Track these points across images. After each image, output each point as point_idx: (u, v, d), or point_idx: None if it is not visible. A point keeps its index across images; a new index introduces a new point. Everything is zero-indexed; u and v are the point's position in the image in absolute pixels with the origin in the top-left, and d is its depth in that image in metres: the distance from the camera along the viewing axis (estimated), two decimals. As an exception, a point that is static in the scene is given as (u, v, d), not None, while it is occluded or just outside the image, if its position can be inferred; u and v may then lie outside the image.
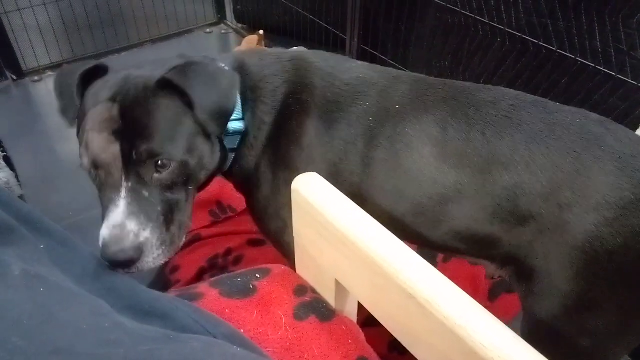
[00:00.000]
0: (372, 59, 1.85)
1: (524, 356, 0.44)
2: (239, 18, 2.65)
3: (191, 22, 2.62)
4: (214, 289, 0.69)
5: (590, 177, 0.70)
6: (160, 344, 0.46)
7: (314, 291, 0.73)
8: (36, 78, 2.32)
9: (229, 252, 1.41)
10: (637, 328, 0.77)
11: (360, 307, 0.72)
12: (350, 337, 0.67)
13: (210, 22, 2.71)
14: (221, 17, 2.73)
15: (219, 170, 0.89)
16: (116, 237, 0.70)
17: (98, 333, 0.44)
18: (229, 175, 0.96)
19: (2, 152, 1.34)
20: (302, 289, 0.72)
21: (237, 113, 0.86)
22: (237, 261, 1.38)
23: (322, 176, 0.65)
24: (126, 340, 0.44)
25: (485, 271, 1.39)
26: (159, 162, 0.73)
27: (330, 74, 0.88)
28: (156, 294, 0.61)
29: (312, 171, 0.66)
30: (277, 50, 0.94)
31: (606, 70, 1.19)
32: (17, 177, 1.31)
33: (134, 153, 0.72)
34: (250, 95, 0.88)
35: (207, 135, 0.80)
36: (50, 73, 2.36)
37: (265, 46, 2.16)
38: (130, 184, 0.73)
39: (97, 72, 0.79)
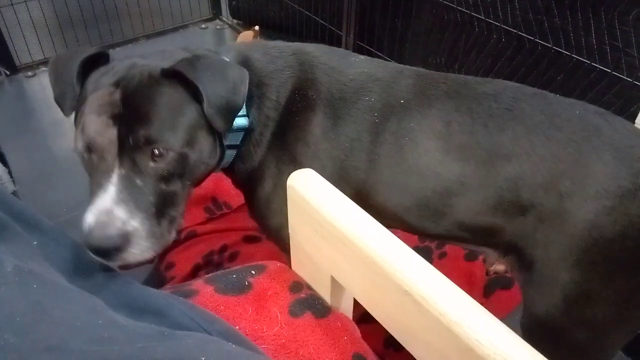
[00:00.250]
0: (368, 55, 1.84)
1: (520, 352, 0.44)
2: (234, 14, 2.64)
3: (186, 18, 2.60)
4: (209, 285, 0.69)
5: (590, 167, 0.72)
6: (154, 341, 0.45)
7: (309, 288, 0.73)
8: (30, 73, 2.30)
9: (224, 248, 1.40)
10: (635, 317, 0.78)
11: (356, 303, 0.72)
12: (345, 333, 0.67)
13: (206, 17, 2.70)
14: (216, 13, 2.72)
15: (217, 167, 0.88)
16: (102, 223, 0.67)
17: (92, 330, 0.44)
18: (229, 171, 0.95)
19: (-5, 148, 1.32)
20: (298, 285, 0.72)
21: (242, 109, 0.86)
22: (233, 258, 1.38)
23: (327, 173, 0.65)
24: (120, 337, 0.44)
25: (480, 268, 1.39)
26: (156, 150, 0.71)
27: (334, 68, 0.88)
28: (150, 290, 0.61)
29: (318, 168, 0.66)
30: (280, 44, 0.93)
31: (602, 67, 1.19)
32: (10, 173, 1.30)
33: (130, 138, 0.70)
34: (256, 92, 0.87)
35: (210, 130, 0.78)
36: (44, 68, 2.35)
37: (261, 42, 2.15)
38: (123, 171, 0.70)
39: (98, 60, 0.77)
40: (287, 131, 0.86)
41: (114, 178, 0.70)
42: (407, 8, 1.71)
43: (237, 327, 0.62)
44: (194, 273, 1.33)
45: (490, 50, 1.45)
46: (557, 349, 0.81)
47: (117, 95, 0.71)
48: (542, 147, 0.74)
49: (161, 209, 0.74)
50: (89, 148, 0.72)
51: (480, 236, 0.84)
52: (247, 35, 2.13)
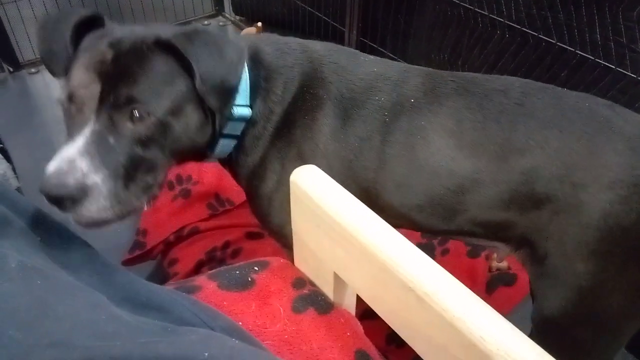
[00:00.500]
0: (371, 52, 1.84)
1: (523, 348, 0.44)
2: (236, 10, 2.63)
3: (189, 14, 2.60)
4: (212, 281, 0.69)
5: (604, 158, 0.72)
6: (157, 337, 0.46)
7: (312, 284, 0.73)
8: (33, 70, 2.31)
9: (227, 245, 1.41)
10: None
11: (358, 300, 0.72)
12: (348, 329, 0.67)
13: (208, 14, 2.69)
14: (219, 9, 2.72)
15: (210, 151, 0.87)
16: (61, 170, 0.66)
17: (95, 326, 0.44)
18: (228, 163, 0.95)
19: (-1, 144, 1.33)
20: (301, 281, 0.72)
21: (245, 99, 0.85)
22: (236, 254, 1.38)
23: (334, 172, 0.65)
24: (123, 332, 0.44)
25: (483, 265, 1.39)
26: (136, 112, 0.70)
27: (344, 68, 0.88)
28: (154, 286, 0.61)
29: (324, 167, 0.66)
30: (291, 40, 0.93)
31: (606, 63, 1.18)
32: (14, 169, 1.30)
33: (112, 96, 0.69)
34: (263, 84, 0.86)
35: (200, 106, 0.77)
36: (47, 65, 2.34)
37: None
38: (97, 126, 0.69)
39: (92, 23, 0.77)
40: (294, 129, 0.86)
41: (86, 131, 0.69)
42: (410, 4, 1.70)
43: (240, 323, 0.62)
44: (197, 269, 1.33)
45: (494, 46, 1.44)
46: (569, 341, 0.82)
47: (110, 55, 0.71)
48: (555, 140, 0.75)
49: (133, 173, 0.72)
50: (70, 98, 0.71)
51: (492, 231, 0.84)
52: (249, 32, 2.13)
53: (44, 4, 2.28)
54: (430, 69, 0.90)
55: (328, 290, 0.71)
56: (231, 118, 0.84)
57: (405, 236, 0.56)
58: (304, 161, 0.85)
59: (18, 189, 1.26)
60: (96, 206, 0.68)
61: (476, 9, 1.45)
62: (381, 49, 1.85)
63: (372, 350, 0.67)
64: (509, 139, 0.77)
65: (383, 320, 0.60)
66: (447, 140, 0.80)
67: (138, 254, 1.41)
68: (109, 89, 0.69)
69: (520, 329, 0.46)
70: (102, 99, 0.70)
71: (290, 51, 0.90)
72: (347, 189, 0.63)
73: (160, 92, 0.72)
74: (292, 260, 0.78)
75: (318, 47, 0.92)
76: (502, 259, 1.39)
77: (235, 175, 0.97)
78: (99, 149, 0.68)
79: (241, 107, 0.84)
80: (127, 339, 0.43)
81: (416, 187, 0.83)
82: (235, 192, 1.57)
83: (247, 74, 0.86)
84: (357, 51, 0.94)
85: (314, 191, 0.62)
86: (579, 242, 0.75)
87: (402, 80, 0.86)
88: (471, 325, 0.46)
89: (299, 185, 0.64)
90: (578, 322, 0.80)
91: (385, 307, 0.58)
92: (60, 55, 0.75)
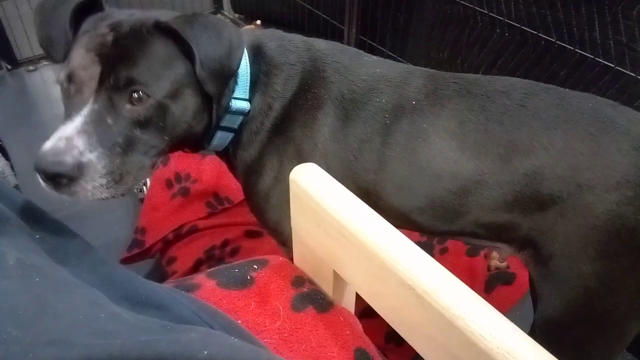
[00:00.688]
0: (370, 50, 1.84)
1: (522, 346, 0.44)
2: (236, 8, 2.63)
3: (187, 11, 2.59)
4: (211, 279, 0.69)
5: (608, 158, 0.72)
6: (157, 335, 0.45)
7: (311, 282, 0.73)
8: (31, 68, 2.30)
9: (225, 243, 1.41)
10: None
11: (357, 298, 0.72)
12: (348, 327, 0.67)
13: (207, 11, 2.69)
14: (218, 7, 2.72)
15: (207, 141, 0.87)
16: (57, 148, 0.66)
17: (94, 324, 0.44)
18: (225, 156, 0.95)
19: (-3, 141, 1.32)
20: (300, 280, 0.72)
21: (244, 93, 0.85)
22: (234, 252, 1.38)
23: (333, 172, 0.65)
24: (123, 330, 0.44)
25: (482, 263, 1.39)
26: (135, 93, 0.71)
27: (346, 68, 0.88)
28: (153, 284, 0.61)
29: (324, 167, 0.65)
30: (296, 38, 0.93)
31: (605, 62, 1.18)
32: (12, 167, 1.30)
33: (112, 77, 0.70)
34: (263, 79, 0.87)
35: (198, 92, 0.78)
36: (45, 63, 2.34)
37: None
38: (96, 106, 0.70)
39: (90, 7, 0.77)
40: (294, 127, 0.86)
41: (85, 111, 0.69)
42: (410, 2, 1.70)
43: (240, 321, 0.62)
44: (196, 268, 1.33)
45: (494, 45, 1.44)
46: (572, 342, 0.82)
47: (110, 37, 0.72)
48: (560, 141, 0.74)
49: (129, 154, 0.73)
50: (70, 78, 0.72)
51: (495, 232, 0.84)
52: (248, 30, 2.13)
53: (42, 2, 2.27)
54: (433, 70, 0.90)
55: (327, 288, 0.71)
56: (229, 111, 0.84)
57: (404, 235, 0.56)
58: (302, 160, 0.85)
59: (16, 187, 1.26)
60: (91, 185, 0.69)
61: (476, 8, 1.45)
62: (380, 47, 1.84)
63: (372, 349, 0.67)
64: (512, 141, 0.76)
65: (382, 319, 0.60)
66: (450, 142, 0.80)
67: (137, 252, 1.41)
68: (108, 70, 0.70)
69: (519, 328, 0.46)
70: (102, 80, 0.70)
71: (293, 48, 0.90)
72: None
73: (159, 75, 0.73)
74: (290, 259, 0.78)
75: (322, 45, 0.92)
76: (504, 259, 1.39)
77: (232, 168, 0.97)
78: (96, 129, 0.69)
79: (240, 101, 0.84)
80: (126, 337, 0.43)
81: (417, 189, 0.83)
82: (234, 191, 1.57)
83: (248, 68, 0.86)
84: (360, 51, 0.94)
85: (314, 189, 0.62)
86: (585, 243, 0.74)
87: (404, 81, 0.86)
88: (471, 324, 0.46)
89: (298, 184, 0.64)
90: (582, 322, 0.80)
91: (384, 306, 0.58)
92: (59, 40, 0.75)
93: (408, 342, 0.57)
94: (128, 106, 0.71)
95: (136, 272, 0.64)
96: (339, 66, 0.88)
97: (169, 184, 1.57)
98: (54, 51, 0.76)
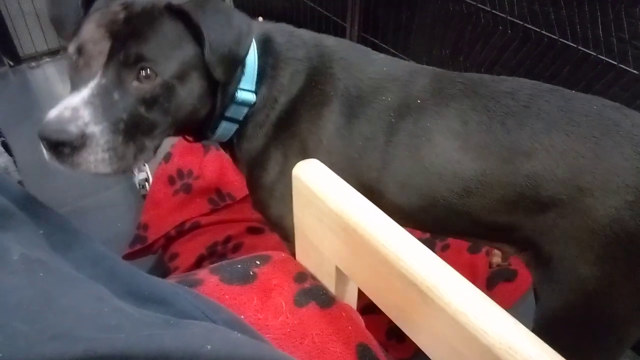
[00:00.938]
0: (373, 47, 1.83)
1: (525, 342, 0.44)
2: (237, 4, 2.62)
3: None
4: (213, 275, 0.69)
5: (610, 162, 0.71)
6: (160, 329, 0.46)
7: (314, 278, 0.73)
8: (33, 64, 2.30)
9: (228, 239, 1.41)
10: None
11: (359, 294, 0.72)
12: (350, 323, 0.67)
13: (209, 8, 2.68)
14: (220, 4, 2.71)
15: (207, 129, 0.88)
16: (63, 117, 0.66)
17: (98, 318, 0.44)
18: (229, 148, 0.95)
19: (0, 137, 1.33)
20: (302, 275, 0.72)
21: (251, 84, 0.86)
22: (236, 249, 1.38)
23: (337, 170, 0.65)
24: (127, 325, 0.44)
25: (483, 260, 1.39)
26: (144, 71, 0.71)
27: (353, 65, 0.88)
28: (156, 279, 0.61)
29: (328, 163, 0.66)
30: (305, 34, 0.93)
31: (608, 60, 1.18)
32: (15, 162, 1.30)
33: (122, 54, 0.70)
34: (270, 72, 0.87)
35: (205, 76, 0.78)
36: (47, 59, 2.34)
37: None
38: (103, 81, 0.70)
39: None
40: (299, 122, 0.86)
41: (92, 84, 0.70)
42: (412, -1, 1.70)
43: (242, 317, 0.63)
44: (198, 264, 1.33)
45: (496, 42, 1.43)
46: (570, 344, 0.81)
47: (121, 15, 0.72)
48: (561, 143, 0.74)
49: (132, 132, 0.73)
50: (80, 51, 0.72)
51: (497, 233, 0.84)
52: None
53: (45, -2, 2.27)
54: (439, 69, 0.89)
55: (330, 284, 0.71)
56: (235, 101, 0.84)
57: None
58: (307, 155, 0.85)
59: (19, 182, 1.26)
60: (94, 157, 0.69)
61: (478, 5, 1.44)
62: (382, 45, 1.84)
63: (374, 344, 0.67)
64: (515, 142, 0.76)
65: (383, 316, 0.60)
66: (453, 142, 0.79)
67: (139, 248, 1.41)
68: (118, 46, 0.71)
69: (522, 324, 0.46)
70: (111, 55, 0.71)
71: (301, 44, 0.90)
72: None
73: (169, 55, 0.73)
74: (292, 253, 0.78)
75: (331, 42, 0.92)
76: (507, 258, 1.39)
77: (236, 161, 0.97)
78: (103, 102, 0.69)
79: (246, 92, 0.85)
80: (130, 331, 0.43)
81: (420, 188, 0.82)
82: (237, 187, 1.57)
83: (256, 60, 0.86)
84: (369, 49, 0.94)
85: (317, 185, 0.62)
86: (584, 246, 0.74)
87: (410, 80, 0.86)
88: (473, 319, 0.46)
89: (301, 180, 0.64)
90: (581, 326, 0.80)
91: (387, 301, 0.59)
92: (70, 17, 0.76)
93: (410, 337, 0.57)
94: (135, 83, 0.72)
95: (138, 268, 0.64)
96: (346, 63, 0.88)
97: (171, 180, 1.57)
98: (64, 28, 0.77)
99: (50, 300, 0.44)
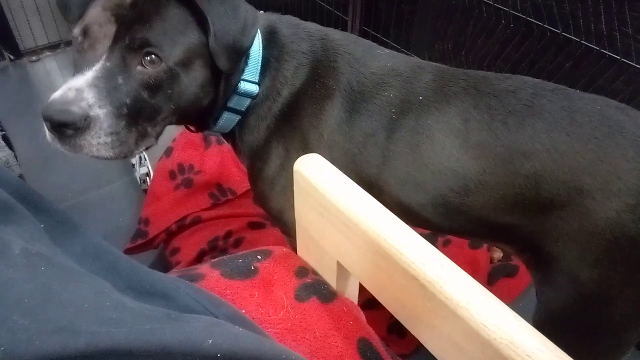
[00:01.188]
0: (374, 41, 1.82)
1: (526, 337, 0.44)
2: (238, -1, 2.61)
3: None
4: (215, 269, 0.69)
5: (612, 164, 0.70)
6: (162, 324, 0.46)
7: (315, 273, 0.73)
8: (34, 58, 2.30)
9: (229, 234, 1.41)
10: None
11: (360, 289, 0.72)
12: (351, 318, 0.67)
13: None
14: (221, -2, 2.70)
15: (209, 119, 0.88)
16: (67, 97, 0.67)
17: (99, 312, 0.44)
18: (231, 139, 0.95)
19: (1, 131, 1.33)
20: (304, 270, 0.72)
21: (254, 76, 0.86)
22: (237, 244, 1.38)
23: (338, 164, 0.65)
24: (128, 319, 0.44)
25: (484, 255, 1.39)
26: (149, 56, 0.72)
27: (358, 60, 0.87)
28: (157, 274, 0.61)
29: (328, 158, 0.65)
30: (311, 27, 0.93)
31: (611, 54, 1.17)
32: (15, 156, 1.30)
33: (127, 38, 0.70)
34: (274, 64, 0.87)
35: (209, 64, 0.78)
36: (48, 53, 2.34)
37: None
38: (108, 64, 0.70)
39: None
40: (301, 116, 0.86)
41: (97, 66, 0.70)
42: (414, -7, 1.69)
43: (244, 311, 0.63)
44: (199, 258, 1.34)
45: (498, 36, 1.43)
46: (570, 346, 0.81)
47: (129, 0, 0.72)
48: (562, 144, 0.73)
49: (135, 117, 0.73)
50: (85, 33, 0.72)
51: (496, 233, 0.83)
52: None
53: (45, -8, 2.27)
54: (443, 66, 0.89)
55: (331, 279, 0.71)
56: (237, 92, 0.84)
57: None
58: (308, 149, 0.85)
59: (20, 176, 1.26)
60: (96, 140, 0.69)
61: (481, -1, 1.44)
62: (384, 39, 1.83)
63: (375, 339, 0.67)
64: (515, 141, 0.75)
65: (384, 311, 0.60)
66: (453, 140, 0.79)
67: (140, 243, 1.42)
68: (124, 30, 0.71)
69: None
70: (116, 39, 0.71)
71: (307, 37, 0.89)
72: None
73: (174, 41, 0.74)
74: (293, 248, 0.78)
75: (336, 36, 0.91)
76: (508, 256, 1.39)
77: (238, 152, 0.97)
78: (107, 85, 0.69)
79: (249, 83, 0.85)
80: (131, 325, 0.43)
81: (419, 186, 0.82)
82: (237, 182, 1.57)
83: (260, 51, 0.86)
84: (374, 44, 0.94)
85: (318, 180, 0.62)
86: (583, 249, 0.73)
87: (413, 76, 0.85)
88: (475, 314, 0.46)
89: (302, 174, 0.63)
90: (578, 328, 0.79)
91: (388, 296, 0.59)
92: (77, 2, 0.76)
93: (411, 332, 0.57)
94: (139, 68, 0.72)
95: (140, 262, 0.64)
96: (351, 58, 0.87)
97: (172, 175, 1.57)
98: (71, 12, 0.77)
99: (52, 294, 0.44)
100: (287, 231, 0.92)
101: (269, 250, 0.75)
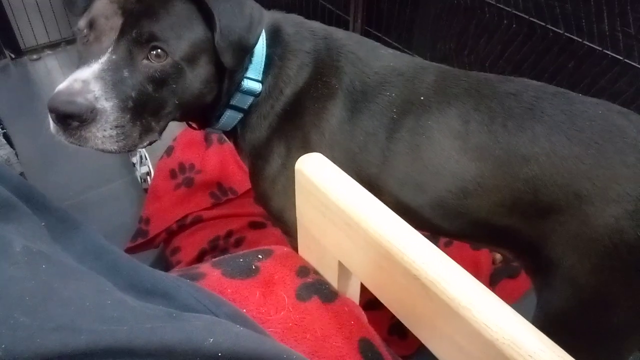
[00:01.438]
0: (376, 41, 1.83)
1: (529, 337, 0.44)
2: (240, -2, 2.61)
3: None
4: (216, 269, 0.69)
5: (612, 169, 0.69)
6: (163, 322, 0.45)
7: (316, 272, 0.73)
8: (35, 57, 2.30)
9: (229, 234, 1.41)
10: None
11: (361, 290, 0.72)
12: (352, 318, 0.67)
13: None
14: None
15: (212, 116, 0.88)
16: (73, 89, 0.66)
17: (100, 310, 0.44)
18: (233, 137, 0.95)
19: (2, 129, 1.33)
20: (305, 270, 0.72)
21: (257, 74, 0.86)
22: (238, 243, 1.38)
23: (339, 163, 0.65)
24: (129, 317, 0.44)
25: (486, 257, 1.39)
26: (155, 50, 0.72)
27: (361, 59, 0.87)
28: (158, 272, 0.61)
29: (329, 157, 0.65)
30: (315, 26, 0.93)
31: (613, 54, 1.17)
32: (16, 154, 1.30)
33: (134, 31, 0.70)
34: (277, 62, 0.87)
35: (213, 60, 0.78)
36: (48, 52, 2.34)
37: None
38: (114, 57, 0.70)
39: None
40: (303, 115, 0.86)
41: (103, 59, 0.70)
42: (416, -7, 1.68)
43: (244, 310, 0.62)
44: (200, 258, 1.34)
45: (501, 36, 1.43)
46: (569, 351, 0.81)
47: None
48: (562, 148, 0.72)
49: (139, 110, 0.73)
50: (91, 25, 0.72)
51: (495, 237, 0.83)
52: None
53: (47, -9, 2.27)
54: (446, 67, 0.89)
55: (332, 278, 0.71)
56: (240, 90, 0.84)
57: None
58: (309, 148, 0.85)
59: (21, 174, 1.26)
60: (102, 133, 0.69)
61: (483, -1, 1.43)
62: (386, 38, 1.83)
63: (376, 339, 0.67)
64: (514, 144, 0.75)
65: (385, 311, 0.60)
66: (452, 142, 0.78)
67: (140, 242, 1.41)
68: (131, 23, 0.71)
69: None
70: (123, 32, 0.71)
71: (310, 36, 0.89)
72: None
73: (181, 36, 0.74)
74: (294, 248, 0.78)
75: (340, 35, 0.91)
76: (511, 260, 1.38)
77: (239, 151, 0.97)
78: (113, 78, 0.69)
79: (252, 81, 0.85)
80: (132, 323, 0.43)
81: (418, 187, 0.82)
82: (238, 182, 1.57)
83: (264, 49, 0.86)
84: (378, 44, 0.93)
85: (319, 179, 0.61)
86: (582, 254, 0.72)
87: (415, 77, 0.85)
88: (477, 314, 0.45)
89: (304, 173, 0.63)
90: (577, 333, 0.79)
91: (389, 296, 0.58)
92: None
93: (413, 332, 0.57)
94: (145, 61, 0.72)
95: (140, 262, 0.64)
96: (354, 57, 0.87)
97: (173, 174, 1.57)
98: (76, 4, 0.77)
99: (52, 292, 0.44)
100: (288, 231, 0.92)
101: (270, 250, 0.74)
